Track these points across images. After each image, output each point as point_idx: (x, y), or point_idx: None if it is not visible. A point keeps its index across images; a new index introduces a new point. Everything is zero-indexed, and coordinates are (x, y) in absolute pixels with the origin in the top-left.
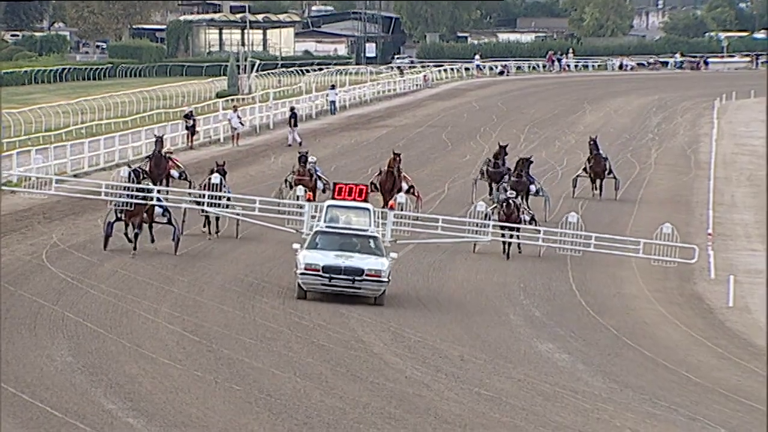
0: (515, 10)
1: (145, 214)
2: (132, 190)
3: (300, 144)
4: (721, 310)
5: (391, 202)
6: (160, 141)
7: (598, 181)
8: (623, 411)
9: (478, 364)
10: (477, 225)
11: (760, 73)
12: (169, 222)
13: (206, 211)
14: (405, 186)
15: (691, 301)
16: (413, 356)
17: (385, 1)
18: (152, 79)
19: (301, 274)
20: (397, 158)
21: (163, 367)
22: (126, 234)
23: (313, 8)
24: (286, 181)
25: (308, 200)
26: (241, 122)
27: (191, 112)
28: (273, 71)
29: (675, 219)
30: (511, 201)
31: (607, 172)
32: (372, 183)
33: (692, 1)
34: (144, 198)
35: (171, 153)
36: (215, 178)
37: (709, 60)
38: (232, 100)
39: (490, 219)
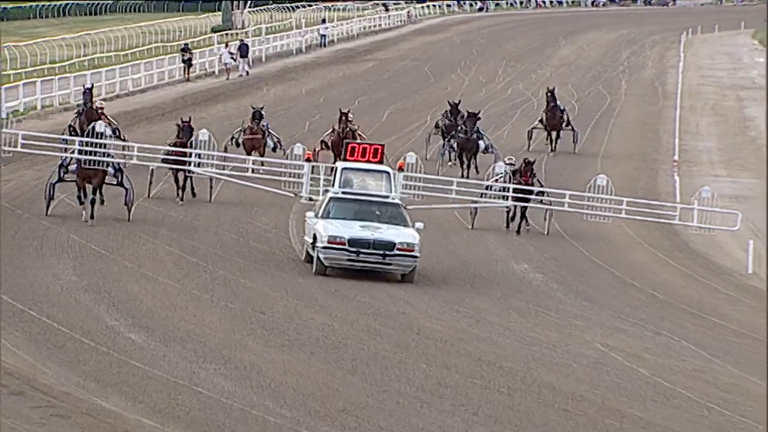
0: None
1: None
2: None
3: (247, 74)
4: (686, 231)
5: (400, 162)
6: (89, 93)
7: (554, 134)
8: (593, 326)
9: (457, 284)
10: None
11: (724, 8)
12: (120, 183)
13: (193, 172)
14: None
15: (658, 224)
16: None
17: None
18: (151, 14)
19: (324, 248)
20: (344, 117)
21: (162, 286)
22: (79, 198)
23: None
24: (232, 138)
25: (308, 160)
26: (232, 57)
27: (187, 45)
28: (265, 7)
29: (643, 147)
30: (530, 163)
31: (564, 124)
32: (323, 141)
33: None
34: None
35: (102, 108)
36: (203, 134)
37: None
38: (225, 35)
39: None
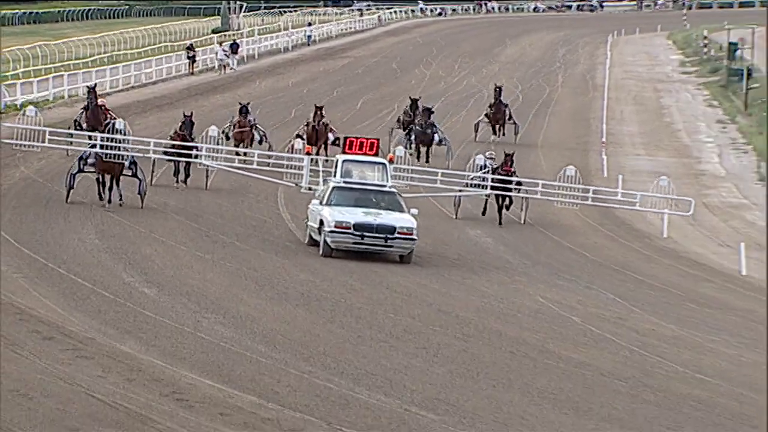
0: None
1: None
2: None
3: (233, 70)
4: (612, 202)
5: (390, 155)
6: (93, 92)
7: (497, 126)
8: (535, 282)
9: (423, 248)
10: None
11: (643, 14)
12: (135, 175)
13: (203, 164)
14: (332, 137)
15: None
16: None
17: None
18: (160, 18)
19: (331, 232)
20: (319, 112)
21: (171, 248)
22: (100, 194)
23: None
24: (223, 131)
25: (307, 154)
26: (226, 54)
27: (192, 45)
28: (258, 12)
29: (576, 131)
30: (510, 155)
31: (507, 118)
32: (298, 135)
33: None
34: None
35: (105, 104)
36: (212, 130)
37: (604, 4)
38: (223, 36)
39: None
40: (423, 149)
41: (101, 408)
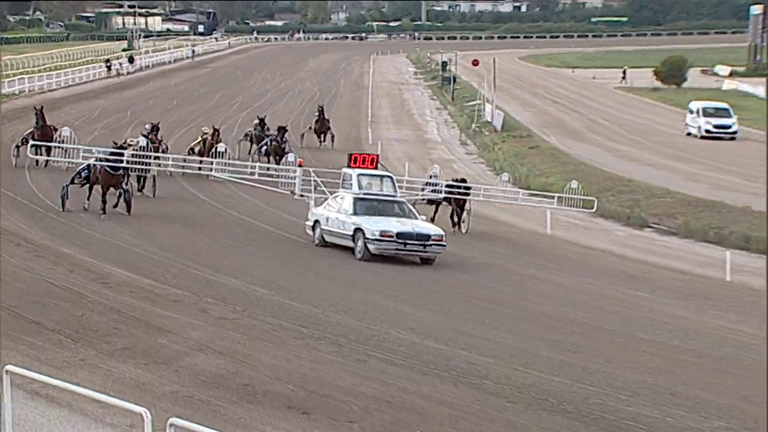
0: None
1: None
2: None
3: (128, 74)
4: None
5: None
6: (41, 113)
7: (322, 136)
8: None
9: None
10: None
11: (392, 42)
12: (124, 185)
13: (213, 176)
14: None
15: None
16: None
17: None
18: (87, 42)
19: (375, 240)
20: (216, 134)
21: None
22: (104, 201)
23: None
24: (142, 148)
25: (299, 166)
26: (121, 65)
27: (108, 58)
28: (152, 37)
29: (352, 113)
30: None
31: (327, 129)
32: (191, 149)
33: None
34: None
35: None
36: (221, 146)
37: (369, 35)
38: (128, 52)
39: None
40: (275, 161)
41: (53, 288)
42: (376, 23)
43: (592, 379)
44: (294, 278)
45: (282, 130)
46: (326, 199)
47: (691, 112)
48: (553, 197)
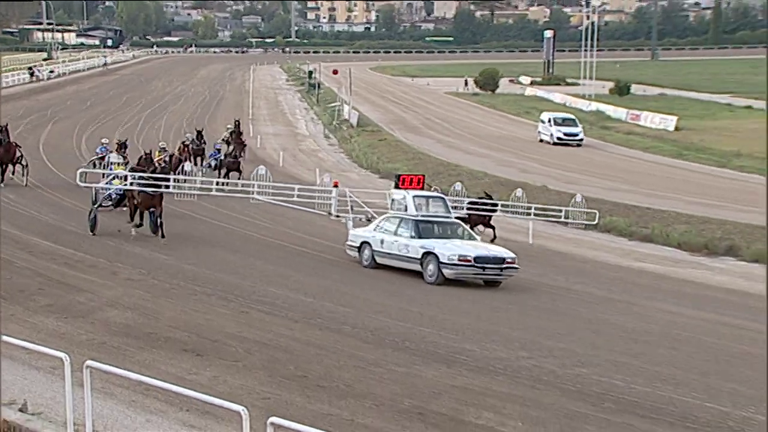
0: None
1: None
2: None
3: (47, 79)
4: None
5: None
6: (6, 130)
7: (236, 149)
8: None
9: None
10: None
11: (268, 55)
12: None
13: (257, 199)
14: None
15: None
16: None
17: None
18: (12, 53)
19: (453, 264)
20: (185, 148)
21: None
22: (140, 222)
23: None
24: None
25: (335, 186)
26: (40, 71)
27: (31, 66)
28: (68, 50)
29: (236, 113)
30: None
31: (244, 139)
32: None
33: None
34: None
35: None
36: (261, 169)
37: (249, 49)
38: (47, 61)
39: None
40: (229, 174)
41: (26, 272)
42: (255, 39)
43: (430, 323)
44: (189, 248)
45: (240, 145)
46: (365, 219)
47: (543, 122)
48: (560, 210)
